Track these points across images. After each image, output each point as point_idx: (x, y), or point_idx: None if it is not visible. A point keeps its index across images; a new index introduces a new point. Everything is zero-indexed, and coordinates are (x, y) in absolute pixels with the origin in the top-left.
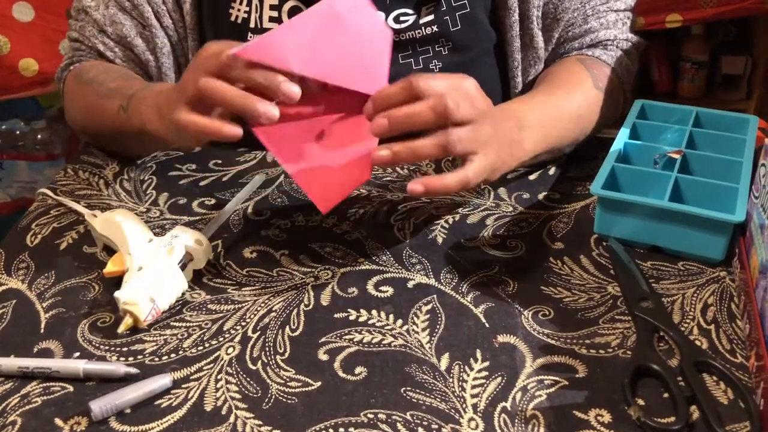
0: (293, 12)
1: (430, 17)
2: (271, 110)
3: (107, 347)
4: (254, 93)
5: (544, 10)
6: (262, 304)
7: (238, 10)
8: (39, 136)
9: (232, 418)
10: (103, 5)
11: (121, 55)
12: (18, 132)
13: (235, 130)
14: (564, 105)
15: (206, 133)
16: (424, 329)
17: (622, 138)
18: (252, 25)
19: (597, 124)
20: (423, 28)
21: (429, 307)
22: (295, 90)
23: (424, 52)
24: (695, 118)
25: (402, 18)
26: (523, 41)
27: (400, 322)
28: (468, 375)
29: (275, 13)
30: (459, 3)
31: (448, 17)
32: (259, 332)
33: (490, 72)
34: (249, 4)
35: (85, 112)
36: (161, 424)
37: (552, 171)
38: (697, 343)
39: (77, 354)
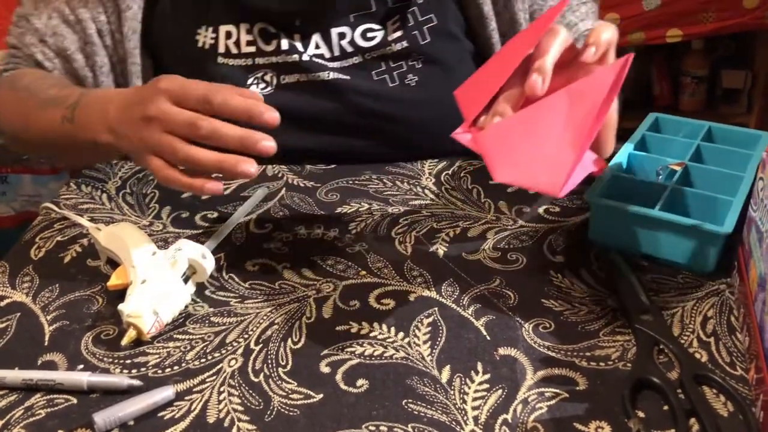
0: (263, 33)
1: (399, 33)
2: (248, 168)
3: (111, 359)
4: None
5: (530, 11)
6: (265, 317)
7: (205, 36)
8: None
9: (234, 430)
10: (45, 15)
11: (60, 67)
12: None
13: (217, 186)
14: None
15: (187, 189)
16: (425, 342)
17: (626, 150)
18: (222, 50)
19: None
20: (393, 44)
21: (430, 319)
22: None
23: (397, 67)
24: (707, 133)
25: (369, 34)
26: None
27: (401, 334)
28: (469, 387)
29: (250, 37)
30: (426, 17)
31: (416, 32)
32: (261, 345)
33: None
34: (216, 31)
35: (22, 121)
36: None
37: None
38: (697, 355)
39: (81, 366)
